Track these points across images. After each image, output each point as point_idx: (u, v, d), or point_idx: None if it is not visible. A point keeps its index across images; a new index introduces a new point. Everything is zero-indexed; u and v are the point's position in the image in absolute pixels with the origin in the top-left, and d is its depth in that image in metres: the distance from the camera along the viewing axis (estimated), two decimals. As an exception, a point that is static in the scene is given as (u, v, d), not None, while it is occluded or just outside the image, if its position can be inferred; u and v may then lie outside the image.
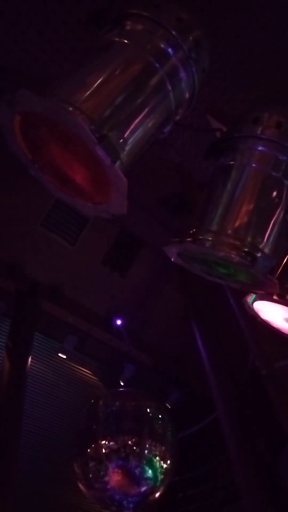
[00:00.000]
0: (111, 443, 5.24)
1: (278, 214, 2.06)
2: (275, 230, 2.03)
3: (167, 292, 7.49)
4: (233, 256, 1.94)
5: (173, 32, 1.83)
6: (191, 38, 1.88)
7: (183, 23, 1.87)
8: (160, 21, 1.84)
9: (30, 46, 2.25)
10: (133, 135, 1.69)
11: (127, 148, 1.66)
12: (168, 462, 5.56)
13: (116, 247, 6.94)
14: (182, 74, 1.85)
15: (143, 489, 5.36)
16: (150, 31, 1.82)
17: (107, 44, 1.81)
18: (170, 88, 1.81)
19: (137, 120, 1.70)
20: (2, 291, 6.46)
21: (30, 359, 6.23)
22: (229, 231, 1.98)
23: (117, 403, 5.58)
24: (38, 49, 2.26)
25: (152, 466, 5.42)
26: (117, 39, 1.81)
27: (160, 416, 5.66)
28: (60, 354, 7.15)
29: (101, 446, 5.26)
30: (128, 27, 1.84)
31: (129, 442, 5.30)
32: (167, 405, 7.33)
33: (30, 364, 6.25)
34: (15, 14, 2.13)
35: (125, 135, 1.65)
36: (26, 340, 6.34)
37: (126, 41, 1.79)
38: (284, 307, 2.49)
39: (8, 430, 5.64)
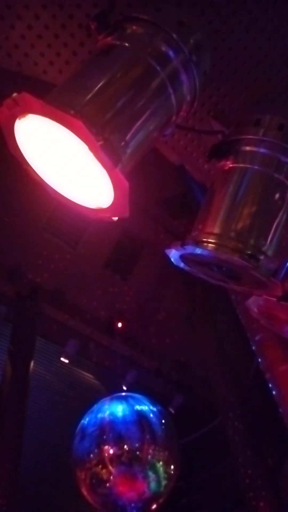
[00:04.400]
0: (114, 448, 5.22)
1: (281, 216, 2.05)
2: (278, 233, 2.03)
3: (169, 295, 7.47)
4: (236, 259, 1.93)
5: (174, 35, 1.83)
6: (192, 41, 1.88)
7: (183, 26, 1.87)
8: (160, 24, 1.84)
9: (30, 50, 2.25)
10: (134, 138, 1.68)
11: (129, 151, 1.66)
12: (172, 467, 5.53)
13: (117, 250, 6.93)
14: (183, 77, 1.84)
15: (146, 494, 5.33)
16: (151, 34, 1.82)
17: (108, 48, 1.81)
18: (171, 91, 1.80)
19: (138, 123, 1.69)
20: (4, 295, 6.46)
21: (32, 363, 6.22)
22: (232, 234, 1.97)
23: (120, 408, 5.56)
24: (38, 53, 2.26)
25: (155, 472, 5.39)
26: (118, 43, 1.81)
27: (163, 421, 5.63)
28: (62, 359, 7.12)
29: (104, 451, 5.24)
30: (129, 31, 1.84)
31: (132, 448, 5.27)
32: (170, 410, 7.29)
33: (32, 369, 6.23)
34: (15, 18, 2.14)
35: (127, 138, 1.64)
36: (28, 344, 6.32)
37: (127, 44, 1.79)
38: (288, 310, 2.48)
39: (10, 434, 5.61)
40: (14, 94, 1.50)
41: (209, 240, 1.99)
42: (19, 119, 1.60)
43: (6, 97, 1.53)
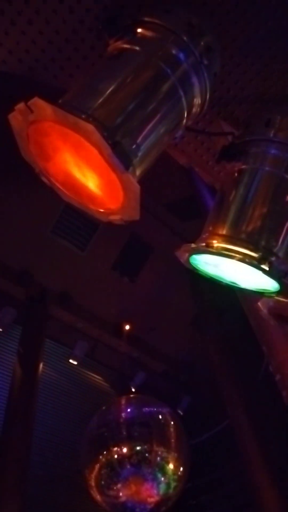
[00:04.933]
0: (123, 449, 5.22)
1: (292, 218, 2.04)
2: (289, 234, 2.01)
3: (177, 296, 7.46)
4: (247, 261, 1.92)
5: (184, 38, 1.84)
6: (202, 43, 1.88)
7: (193, 28, 1.87)
8: (170, 27, 1.85)
9: (41, 55, 2.27)
10: (145, 141, 1.69)
11: (140, 154, 1.67)
12: (181, 468, 5.51)
13: (125, 252, 6.95)
14: (194, 80, 1.84)
15: (155, 496, 5.32)
16: (161, 37, 1.83)
17: (119, 52, 1.82)
18: (182, 93, 1.81)
19: (149, 126, 1.70)
20: (13, 297, 6.50)
21: (41, 365, 6.25)
22: (243, 236, 1.96)
23: (128, 410, 5.56)
24: (48, 58, 2.28)
25: (164, 473, 5.38)
26: (128, 46, 1.82)
27: (171, 422, 5.62)
28: (70, 360, 7.15)
29: (113, 453, 5.24)
30: (139, 34, 1.85)
31: (141, 449, 5.27)
32: (179, 411, 7.28)
33: (41, 370, 6.26)
34: (25, 24, 2.16)
35: (138, 141, 1.65)
36: (37, 346, 6.36)
37: (137, 48, 1.80)
38: (299, 312, 2.47)
39: (19, 435, 5.64)
40: (26, 100, 1.52)
41: (220, 241, 1.98)
42: (31, 123, 1.62)
43: (18, 102, 1.55)
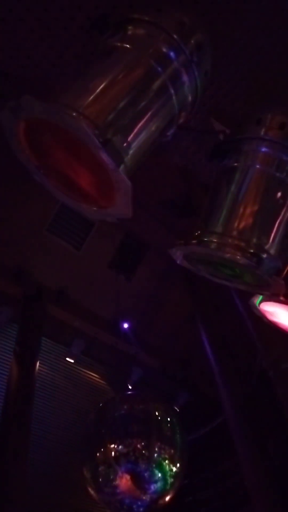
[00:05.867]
0: (120, 446, 5.23)
1: (283, 215, 2.06)
2: (280, 231, 2.03)
3: (173, 294, 7.49)
4: (238, 257, 1.93)
5: (175, 36, 1.84)
6: (193, 41, 1.89)
7: (184, 27, 1.88)
8: (161, 25, 1.85)
9: (32, 52, 2.27)
10: (136, 139, 1.70)
11: (131, 152, 1.67)
12: (178, 465, 5.53)
13: (121, 250, 6.95)
14: (185, 78, 1.85)
15: (152, 492, 5.34)
16: (152, 35, 1.83)
17: (110, 50, 1.83)
18: (172, 91, 1.82)
19: (140, 124, 1.71)
20: (9, 296, 6.49)
21: (38, 363, 6.25)
22: (234, 233, 1.98)
23: (125, 407, 5.57)
24: (40, 56, 2.28)
25: (161, 470, 5.40)
26: (119, 44, 1.83)
27: (168, 419, 5.64)
28: (67, 358, 7.16)
29: (110, 450, 5.25)
30: (130, 32, 1.85)
31: (138, 446, 5.28)
32: (175, 407, 7.30)
33: (38, 369, 6.27)
34: (16, 21, 2.15)
35: (129, 139, 1.66)
36: (34, 344, 6.36)
37: (128, 46, 1.81)
38: (291, 308, 2.48)
39: (17, 434, 5.65)
40: (17, 97, 1.52)
41: (212, 239, 2.00)
42: (22, 121, 1.62)
43: (9, 100, 1.55)
